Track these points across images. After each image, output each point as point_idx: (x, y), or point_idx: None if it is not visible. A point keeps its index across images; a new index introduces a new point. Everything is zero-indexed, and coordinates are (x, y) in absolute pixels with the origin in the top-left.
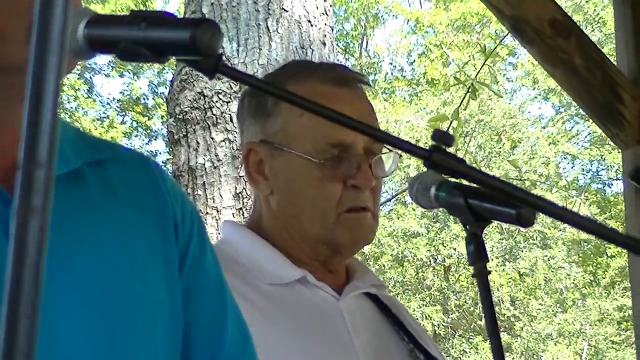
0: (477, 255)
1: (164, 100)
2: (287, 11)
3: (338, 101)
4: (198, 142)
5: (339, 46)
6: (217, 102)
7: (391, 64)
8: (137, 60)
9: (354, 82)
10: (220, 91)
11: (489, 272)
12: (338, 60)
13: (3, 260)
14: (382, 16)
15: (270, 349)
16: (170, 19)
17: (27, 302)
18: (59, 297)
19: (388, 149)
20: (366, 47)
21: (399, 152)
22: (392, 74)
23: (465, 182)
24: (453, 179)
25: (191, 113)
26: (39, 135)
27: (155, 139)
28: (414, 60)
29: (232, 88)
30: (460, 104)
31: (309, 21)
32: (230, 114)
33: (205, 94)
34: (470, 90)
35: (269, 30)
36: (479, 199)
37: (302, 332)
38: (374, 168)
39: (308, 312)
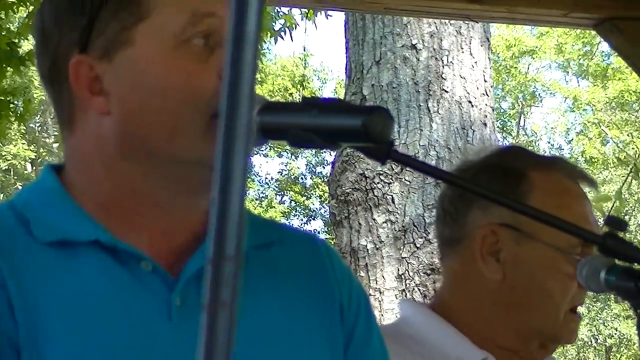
0: None
1: (322, 179)
2: (447, 92)
3: (574, 196)
4: (360, 224)
5: (496, 125)
6: (378, 183)
7: (549, 142)
8: (308, 146)
9: (586, 182)
10: (381, 172)
11: None
12: (497, 139)
13: (166, 343)
14: (539, 94)
15: None
16: (342, 105)
17: None
18: None
19: None
20: (524, 125)
21: None
22: (550, 152)
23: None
24: (622, 263)
25: (353, 194)
26: (227, 229)
27: (314, 219)
28: (572, 139)
29: (393, 169)
30: (623, 184)
31: (470, 102)
32: (392, 195)
33: (367, 175)
34: (632, 170)
35: (429, 111)
36: None
37: None
38: None
39: None
